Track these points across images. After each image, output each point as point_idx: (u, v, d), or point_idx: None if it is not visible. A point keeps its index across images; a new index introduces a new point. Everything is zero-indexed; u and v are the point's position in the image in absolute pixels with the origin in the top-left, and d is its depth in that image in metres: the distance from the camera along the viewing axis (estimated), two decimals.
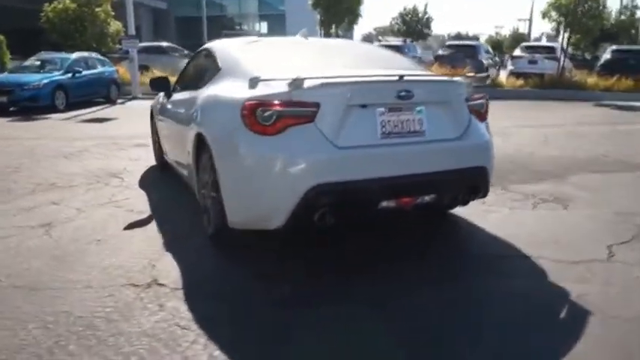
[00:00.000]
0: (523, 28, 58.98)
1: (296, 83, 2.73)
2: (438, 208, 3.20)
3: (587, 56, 28.54)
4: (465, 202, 3.32)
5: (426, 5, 39.86)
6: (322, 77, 2.82)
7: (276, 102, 2.75)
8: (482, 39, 56.82)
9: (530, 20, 35.24)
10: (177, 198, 4.43)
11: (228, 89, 3.24)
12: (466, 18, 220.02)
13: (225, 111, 3.04)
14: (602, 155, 6.48)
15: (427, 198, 3.07)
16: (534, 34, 47.96)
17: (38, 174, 5.40)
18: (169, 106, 4.57)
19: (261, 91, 2.85)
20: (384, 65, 3.64)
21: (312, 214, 2.79)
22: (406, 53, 21.01)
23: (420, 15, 37.18)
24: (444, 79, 3.52)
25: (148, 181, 5.14)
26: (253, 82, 2.89)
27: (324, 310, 2.52)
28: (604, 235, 3.56)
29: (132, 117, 10.52)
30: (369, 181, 2.82)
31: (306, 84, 2.74)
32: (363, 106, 2.85)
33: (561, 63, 16.26)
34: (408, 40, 24.52)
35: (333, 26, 17.30)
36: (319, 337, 2.30)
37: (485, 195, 3.34)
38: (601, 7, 18.28)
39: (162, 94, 5.27)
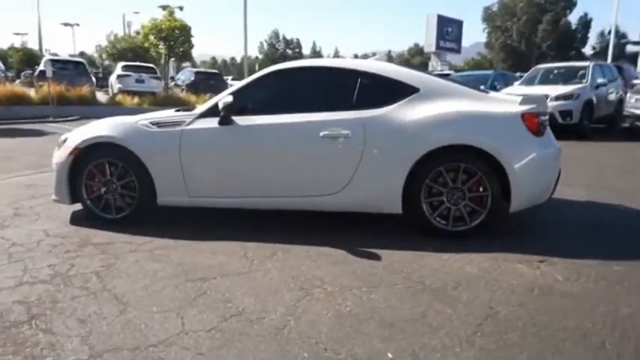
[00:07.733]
0: (33, 44, 53.88)
1: (545, 100, 4.10)
2: None
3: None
4: None
5: None
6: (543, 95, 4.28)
7: (542, 112, 3.88)
8: None
9: (40, 36, 36.56)
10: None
11: (474, 105, 3.85)
12: None
13: (502, 123, 3.79)
14: None
15: None
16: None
17: None
18: (257, 132, 3.96)
19: (525, 107, 3.79)
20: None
21: None
22: None
23: None
24: None
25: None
26: (525, 100, 3.84)
27: None
28: None
29: None
30: None
31: (545, 100, 4.14)
32: None
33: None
34: None
35: None
36: None
37: None
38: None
39: (145, 120, 4.13)
